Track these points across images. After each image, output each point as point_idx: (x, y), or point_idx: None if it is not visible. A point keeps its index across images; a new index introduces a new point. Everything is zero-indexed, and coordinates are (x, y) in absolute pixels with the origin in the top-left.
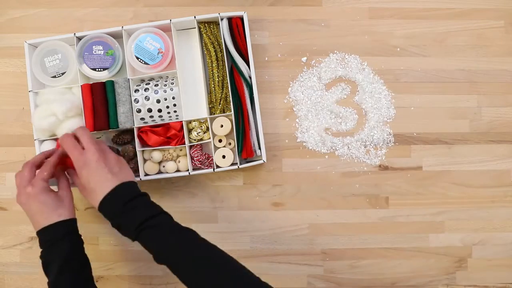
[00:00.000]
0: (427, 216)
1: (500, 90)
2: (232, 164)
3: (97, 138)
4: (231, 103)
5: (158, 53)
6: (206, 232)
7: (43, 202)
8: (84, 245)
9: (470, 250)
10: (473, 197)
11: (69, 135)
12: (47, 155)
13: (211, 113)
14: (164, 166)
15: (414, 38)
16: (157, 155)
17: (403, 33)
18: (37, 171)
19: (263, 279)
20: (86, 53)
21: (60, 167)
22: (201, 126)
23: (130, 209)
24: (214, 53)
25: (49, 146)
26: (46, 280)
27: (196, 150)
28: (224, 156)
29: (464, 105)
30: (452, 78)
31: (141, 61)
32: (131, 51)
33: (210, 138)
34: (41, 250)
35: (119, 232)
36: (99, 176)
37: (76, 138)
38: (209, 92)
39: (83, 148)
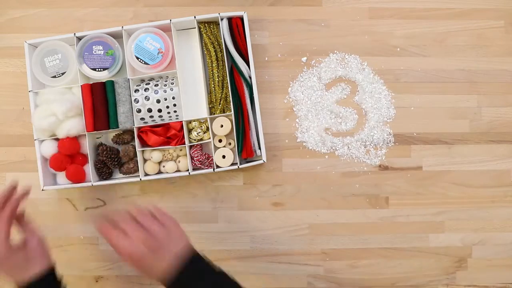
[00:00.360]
0: (427, 216)
1: (500, 90)
2: (232, 164)
3: (97, 138)
4: (231, 103)
5: (158, 53)
6: (206, 232)
7: (12, 266)
8: (86, 247)
9: (470, 250)
10: (473, 197)
11: (108, 227)
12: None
13: (211, 113)
14: (164, 166)
15: (414, 38)
16: (157, 155)
17: (403, 33)
18: None
19: (263, 279)
20: (86, 53)
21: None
22: (201, 126)
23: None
24: (214, 53)
25: (49, 146)
26: None
27: (196, 150)
28: (224, 156)
29: (464, 105)
30: (452, 78)
31: (141, 61)
32: (131, 51)
33: (210, 138)
34: None
35: None
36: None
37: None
38: (209, 92)
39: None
